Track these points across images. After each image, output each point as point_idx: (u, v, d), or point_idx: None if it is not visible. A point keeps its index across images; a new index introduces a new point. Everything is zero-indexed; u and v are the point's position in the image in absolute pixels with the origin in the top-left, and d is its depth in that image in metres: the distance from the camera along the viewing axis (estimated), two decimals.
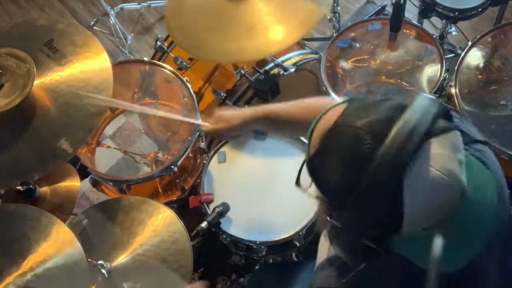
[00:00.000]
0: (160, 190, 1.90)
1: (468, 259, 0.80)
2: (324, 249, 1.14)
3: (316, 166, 0.78)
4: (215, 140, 1.43)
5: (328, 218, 0.80)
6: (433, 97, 0.77)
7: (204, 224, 1.45)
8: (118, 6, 2.78)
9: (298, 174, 0.89)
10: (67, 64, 1.35)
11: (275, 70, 1.84)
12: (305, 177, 0.89)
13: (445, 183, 0.71)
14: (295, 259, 1.66)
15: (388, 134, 0.70)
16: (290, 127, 1.22)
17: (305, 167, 0.86)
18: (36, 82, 1.28)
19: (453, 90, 1.69)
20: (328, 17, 2.16)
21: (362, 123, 0.73)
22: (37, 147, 1.27)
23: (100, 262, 1.29)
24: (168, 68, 1.81)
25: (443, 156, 0.71)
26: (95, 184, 1.80)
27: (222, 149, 1.74)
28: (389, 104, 0.75)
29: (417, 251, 0.77)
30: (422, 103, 0.74)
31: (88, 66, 1.36)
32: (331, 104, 0.86)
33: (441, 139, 0.72)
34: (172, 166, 1.67)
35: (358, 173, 0.71)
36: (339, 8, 2.46)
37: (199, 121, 1.43)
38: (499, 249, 0.84)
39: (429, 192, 0.71)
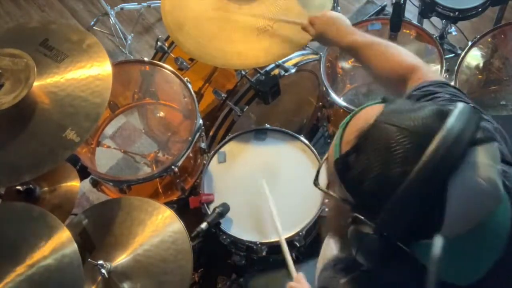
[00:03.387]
0: (160, 190, 1.90)
1: (479, 275, 0.77)
2: (328, 250, 1.13)
3: (349, 164, 0.76)
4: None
5: (350, 221, 0.77)
6: (473, 106, 0.76)
7: (204, 225, 1.45)
8: (118, 6, 2.78)
9: (316, 174, 0.86)
10: (64, 60, 1.36)
11: (276, 71, 1.83)
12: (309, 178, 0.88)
13: (488, 192, 0.70)
14: (295, 259, 1.66)
15: (434, 136, 0.69)
16: (365, 65, 1.27)
17: (323, 167, 0.84)
18: (36, 80, 1.27)
19: None
20: None
21: (405, 123, 0.72)
22: (45, 140, 1.28)
23: (100, 262, 1.29)
24: (168, 68, 1.81)
25: (487, 165, 0.71)
26: (95, 184, 1.79)
27: (222, 149, 1.74)
28: (430, 109, 0.74)
29: (444, 260, 0.73)
30: (465, 111, 0.73)
31: (84, 58, 1.37)
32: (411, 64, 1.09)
33: (484, 148, 0.72)
34: (173, 167, 1.66)
35: (400, 172, 0.69)
36: (339, 8, 2.47)
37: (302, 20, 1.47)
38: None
39: (471, 198, 0.70)
